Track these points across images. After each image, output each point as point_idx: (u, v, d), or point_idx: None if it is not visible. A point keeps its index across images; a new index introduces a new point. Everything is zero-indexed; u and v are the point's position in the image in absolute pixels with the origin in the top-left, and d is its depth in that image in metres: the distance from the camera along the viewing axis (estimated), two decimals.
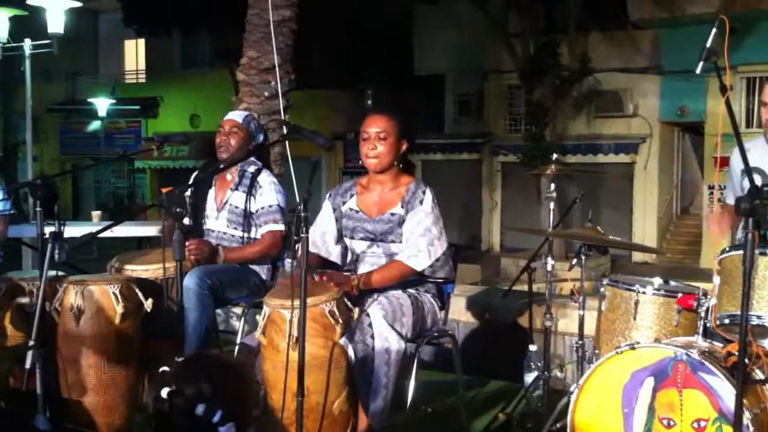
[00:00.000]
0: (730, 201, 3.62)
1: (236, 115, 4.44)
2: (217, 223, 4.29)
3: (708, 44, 2.81)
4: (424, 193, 3.50)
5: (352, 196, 3.68)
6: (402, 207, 3.50)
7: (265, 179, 4.26)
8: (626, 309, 3.44)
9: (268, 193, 4.22)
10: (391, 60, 22.61)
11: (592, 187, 17.90)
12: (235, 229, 4.24)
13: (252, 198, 4.22)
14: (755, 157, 3.08)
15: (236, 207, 4.24)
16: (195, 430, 1.82)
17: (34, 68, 12.93)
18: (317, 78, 20.35)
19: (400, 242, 3.49)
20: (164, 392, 1.85)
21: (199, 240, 4.07)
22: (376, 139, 3.50)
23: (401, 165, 3.60)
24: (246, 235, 4.23)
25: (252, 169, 4.30)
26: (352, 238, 3.62)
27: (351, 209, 3.64)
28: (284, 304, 3.03)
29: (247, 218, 4.22)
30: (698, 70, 2.83)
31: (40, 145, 24.64)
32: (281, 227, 4.19)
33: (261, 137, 4.45)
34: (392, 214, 3.51)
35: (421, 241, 3.41)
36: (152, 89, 27.28)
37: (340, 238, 3.68)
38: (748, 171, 2.68)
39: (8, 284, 3.80)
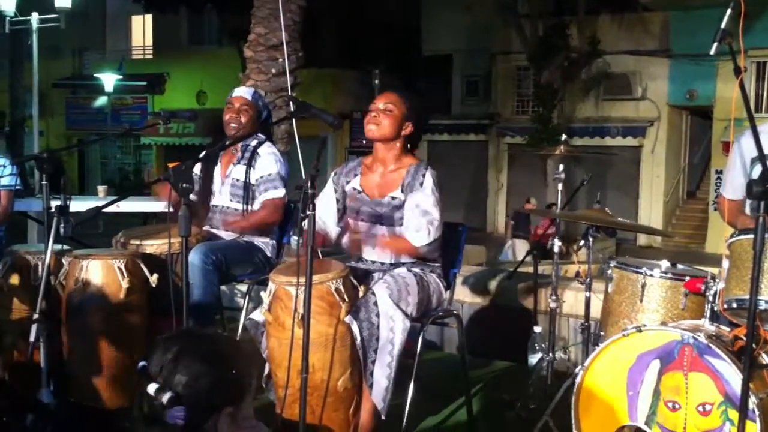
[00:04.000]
0: (729, 194, 3.55)
1: (245, 92, 4.43)
2: (221, 197, 4.29)
3: (723, 25, 2.77)
4: (424, 175, 3.47)
5: (356, 175, 3.66)
6: (402, 191, 3.48)
7: (265, 150, 4.26)
8: (633, 291, 3.42)
9: (267, 162, 4.21)
10: (399, 40, 22.53)
11: (599, 170, 17.84)
12: (238, 202, 4.23)
13: (252, 169, 4.21)
14: (766, 142, 3.04)
15: (237, 180, 4.24)
16: (148, 408, 1.79)
17: (41, 43, 12.93)
18: (325, 57, 20.29)
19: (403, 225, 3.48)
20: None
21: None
22: (380, 111, 3.51)
23: (408, 146, 3.58)
24: (247, 207, 4.22)
25: (254, 142, 4.29)
26: (355, 219, 3.60)
27: (354, 189, 3.63)
28: (291, 281, 3.02)
29: (247, 190, 4.21)
30: (712, 51, 2.79)
31: (46, 120, 24.65)
32: (281, 194, 4.18)
33: (266, 113, 4.46)
34: (392, 198, 3.49)
35: (421, 221, 3.40)
36: (159, 65, 27.25)
37: (339, 219, 3.67)
38: (761, 153, 2.65)
39: (13, 257, 3.79)
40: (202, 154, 4.13)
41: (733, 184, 3.51)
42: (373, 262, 3.59)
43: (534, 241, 16.07)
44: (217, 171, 4.36)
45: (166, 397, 1.75)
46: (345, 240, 3.58)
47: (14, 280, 3.77)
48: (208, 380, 1.79)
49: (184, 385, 1.78)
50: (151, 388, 1.77)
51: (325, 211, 3.65)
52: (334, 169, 3.78)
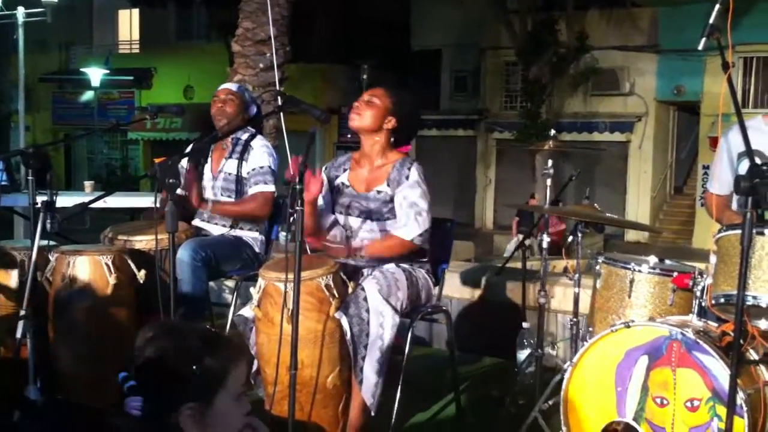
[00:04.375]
0: (716, 189, 3.55)
1: (230, 85, 4.48)
2: (213, 192, 4.28)
3: (711, 20, 2.77)
4: (409, 169, 3.49)
5: (345, 170, 3.67)
6: (388, 185, 3.49)
7: (257, 143, 4.27)
8: (621, 287, 3.42)
9: (260, 155, 4.21)
10: (388, 35, 22.49)
11: (587, 166, 17.92)
12: (229, 196, 4.23)
13: (244, 162, 4.21)
14: (753, 138, 3.05)
15: (229, 174, 4.23)
16: (118, 396, 1.78)
17: (27, 37, 12.84)
18: (313, 52, 20.24)
19: (394, 218, 3.48)
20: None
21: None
22: (364, 102, 3.53)
23: (393, 140, 3.58)
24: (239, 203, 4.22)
25: (245, 136, 4.28)
26: (346, 214, 3.60)
27: (343, 183, 3.64)
28: (280, 277, 3.01)
29: (239, 184, 4.20)
30: (700, 47, 2.78)
31: (32, 115, 24.47)
32: (271, 188, 4.18)
33: (254, 109, 4.45)
34: (378, 192, 3.51)
35: (409, 212, 3.42)
36: (146, 60, 27.11)
37: (329, 210, 3.67)
38: (749, 149, 2.65)
39: None
40: (188, 148, 4.12)
41: (720, 179, 3.51)
42: (362, 256, 3.58)
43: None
44: (208, 166, 4.35)
45: (127, 386, 1.74)
46: (333, 233, 3.57)
47: (0, 276, 3.74)
48: (167, 373, 1.76)
49: (143, 374, 1.76)
50: (121, 374, 1.76)
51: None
52: (325, 163, 3.78)
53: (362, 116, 3.52)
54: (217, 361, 1.79)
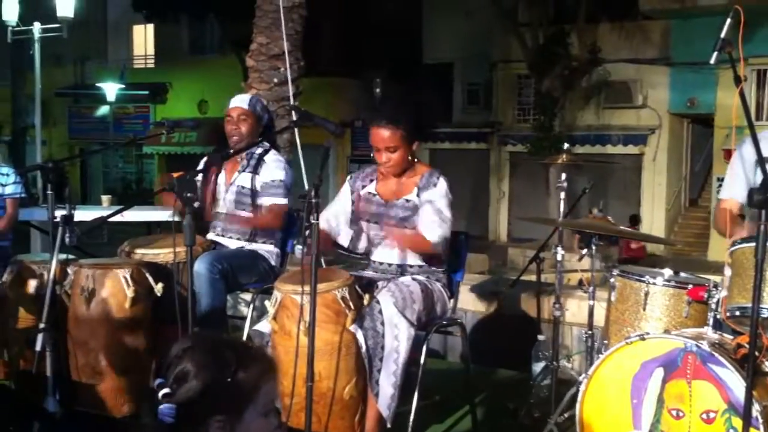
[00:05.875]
0: (726, 194, 3.52)
1: (241, 101, 4.35)
2: (225, 205, 4.30)
3: (722, 34, 2.79)
4: (438, 179, 3.57)
5: (372, 180, 3.74)
6: (417, 195, 3.55)
7: (271, 157, 4.29)
8: (636, 300, 3.43)
9: (273, 168, 4.24)
10: (400, 48, 22.56)
11: (600, 178, 17.85)
12: (243, 209, 4.25)
13: (257, 176, 4.23)
14: (766, 150, 3.05)
15: (243, 187, 4.25)
16: (150, 402, 1.78)
17: (43, 52, 12.98)
18: (326, 65, 20.32)
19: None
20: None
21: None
22: (387, 151, 3.55)
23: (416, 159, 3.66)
24: (254, 214, 4.24)
25: (259, 150, 4.31)
26: (368, 221, 3.66)
27: (369, 193, 3.71)
28: (296, 289, 3.03)
29: (254, 197, 4.22)
30: (712, 61, 2.80)
31: (48, 129, 24.64)
32: (284, 201, 4.21)
33: (266, 117, 4.44)
34: (407, 200, 3.57)
35: (433, 217, 3.48)
36: (161, 75, 27.28)
37: (352, 221, 3.71)
38: (761, 161, 2.66)
39: (19, 267, 3.81)
40: (203, 164, 4.12)
41: (732, 188, 3.45)
42: (381, 263, 3.61)
43: (626, 256, 16.07)
44: (221, 179, 4.37)
45: (161, 392, 1.75)
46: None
47: (20, 289, 3.79)
48: (199, 382, 1.77)
49: (176, 382, 1.77)
50: (157, 380, 1.77)
51: (341, 211, 3.74)
52: (350, 174, 3.85)
53: (395, 166, 3.57)
54: (250, 374, 1.80)
